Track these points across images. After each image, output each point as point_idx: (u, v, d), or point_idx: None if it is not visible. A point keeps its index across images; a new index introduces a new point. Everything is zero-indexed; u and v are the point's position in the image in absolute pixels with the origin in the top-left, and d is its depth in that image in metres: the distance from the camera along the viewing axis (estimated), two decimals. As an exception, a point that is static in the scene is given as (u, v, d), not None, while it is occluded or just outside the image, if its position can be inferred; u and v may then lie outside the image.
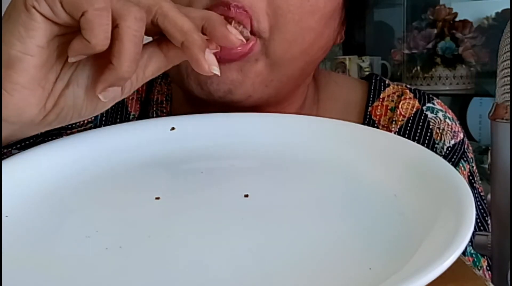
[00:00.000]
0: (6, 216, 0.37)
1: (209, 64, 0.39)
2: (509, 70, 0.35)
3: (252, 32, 0.48)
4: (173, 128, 0.48)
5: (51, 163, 0.43)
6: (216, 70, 0.39)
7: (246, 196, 0.40)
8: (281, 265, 0.32)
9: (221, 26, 0.41)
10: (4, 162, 0.41)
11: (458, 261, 0.29)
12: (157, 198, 0.40)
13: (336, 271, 0.31)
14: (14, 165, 0.42)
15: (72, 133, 0.55)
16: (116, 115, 0.62)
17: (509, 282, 0.35)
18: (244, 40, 0.43)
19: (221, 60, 0.48)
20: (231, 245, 0.34)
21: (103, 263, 0.33)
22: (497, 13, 1.98)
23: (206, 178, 0.43)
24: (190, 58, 0.39)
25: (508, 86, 0.35)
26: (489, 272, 0.57)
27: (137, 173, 0.44)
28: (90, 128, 0.60)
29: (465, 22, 1.87)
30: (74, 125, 0.60)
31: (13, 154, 0.43)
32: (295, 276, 0.31)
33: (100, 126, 0.61)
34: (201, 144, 0.47)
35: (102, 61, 0.39)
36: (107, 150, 0.45)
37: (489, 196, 0.38)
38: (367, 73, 0.85)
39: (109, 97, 0.39)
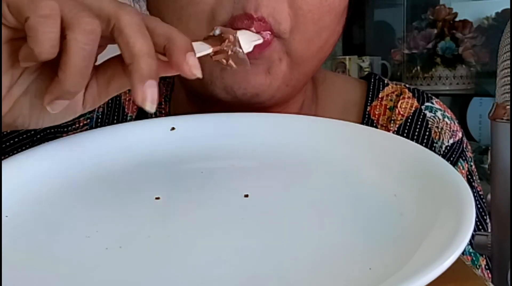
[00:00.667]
0: (6, 216, 0.37)
1: (143, 97, 0.36)
2: (509, 70, 0.35)
3: (272, 34, 0.48)
4: (173, 128, 0.48)
5: (51, 163, 0.43)
6: (148, 106, 0.36)
7: (246, 196, 0.40)
8: (281, 265, 0.32)
9: (179, 54, 0.37)
10: (4, 162, 0.41)
11: (458, 261, 0.29)
12: (157, 198, 0.40)
13: (336, 271, 0.31)
14: (14, 165, 0.42)
15: (68, 135, 0.54)
16: (113, 116, 0.62)
17: (509, 282, 0.35)
18: (200, 75, 0.38)
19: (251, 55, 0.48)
20: (231, 245, 0.34)
21: (103, 263, 0.33)
22: (497, 13, 1.98)
23: (206, 178, 0.43)
24: (130, 84, 0.36)
25: (508, 86, 0.35)
26: (488, 271, 0.57)
27: (137, 173, 0.44)
28: (86, 130, 0.60)
29: (465, 22, 1.87)
30: (70, 127, 0.60)
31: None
32: (295, 276, 0.31)
33: (96, 128, 0.60)
34: (201, 144, 0.47)
35: None
36: (107, 150, 0.45)
37: (489, 196, 0.38)
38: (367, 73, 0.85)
39: (57, 109, 0.37)
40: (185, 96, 0.59)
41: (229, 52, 0.42)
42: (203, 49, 0.41)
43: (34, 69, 0.39)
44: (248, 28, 0.47)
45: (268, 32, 0.48)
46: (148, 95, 0.36)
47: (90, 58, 0.35)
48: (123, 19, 0.36)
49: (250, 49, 0.45)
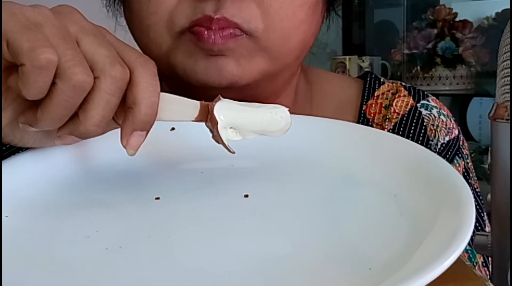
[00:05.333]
0: (6, 216, 0.37)
1: (127, 143, 0.37)
2: (509, 70, 0.35)
3: (243, 32, 0.48)
4: (173, 128, 0.48)
5: (51, 163, 0.43)
6: (129, 152, 0.38)
7: (246, 196, 0.40)
8: (281, 265, 0.32)
9: (128, 128, 0.37)
10: (4, 162, 0.41)
11: (458, 261, 0.29)
12: (157, 198, 0.40)
13: (336, 271, 0.31)
14: (14, 165, 0.42)
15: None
16: None
17: (509, 282, 0.35)
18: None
19: (212, 48, 0.48)
20: (231, 245, 0.34)
21: (103, 263, 0.33)
22: (497, 13, 1.98)
23: (206, 178, 0.43)
24: (121, 125, 0.37)
25: (508, 86, 0.35)
26: (485, 269, 0.57)
27: (137, 173, 0.44)
28: None
29: (465, 22, 1.87)
30: None
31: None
32: (295, 276, 0.31)
33: None
34: (201, 144, 0.47)
35: None
36: (107, 150, 0.45)
37: (489, 196, 0.38)
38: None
39: (31, 131, 0.38)
40: (169, 89, 0.59)
41: (209, 130, 0.41)
42: (187, 113, 0.40)
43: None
44: (208, 28, 0.47)
45: (232, 29, 0.47)
46: (133, 143, 0.37)
47: (72, 108, 0.35)
48: (109, 75, 0.35)
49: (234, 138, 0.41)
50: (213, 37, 0.47)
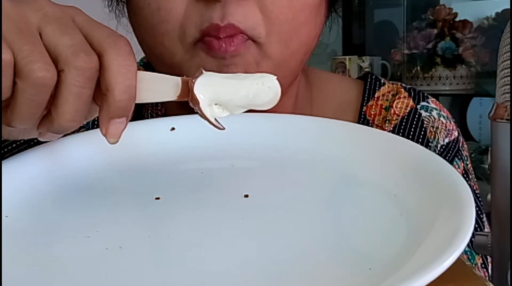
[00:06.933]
0: (6, 216, 0.37)
1: (107, 132, 0.36)
2: (509, 70, 0.35)
3: (248, 38, 0.48)
4: (173, 128, 0.48)
5: (51, 163, 0.43)
6: (110, 140, 0.36)
7: (246, 196, 0.40)
8: (281, 265, 0.32)
9: (105, 117, 0.35)
10: (4, 162, 0.41)
11: (458, 261, 0.29)
12: (157, 198, 0.40)
13: (336, 271, 0.31)
14: (14, 165, 0.42)
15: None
16: None
17: (509, 282, 0.35)
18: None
19: (225, 56, 0.48)
20: (231, 245, 0.34)
21: (103, 263, 0.33)
22: (497, 13, 1.98)
23: (206, 178, 0.43)
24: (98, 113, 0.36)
25: (508, 86, 0.35)
26: (484, 270, 0.57)
27: (137, 173, 0.44)
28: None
29: (465, 22, 1.87)
30: None
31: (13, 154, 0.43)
32: (295, 276, 0.31)
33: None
34: (201, 144, 0.47)
35: None
36: (106, 150, 0.45)
37: (489, 196, 0.38)
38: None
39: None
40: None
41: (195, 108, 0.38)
42: (169, 92, 0.38)
43: None
44: (217, 37, 0.47)
45: (239, 35, 0.47)
46: (112, 132, 0.35)
47: (39, 106, 0.34)
48: (74, 66, 0.33)
49: (220, 114, 0.39)
50: (223, 45, 0.47)
